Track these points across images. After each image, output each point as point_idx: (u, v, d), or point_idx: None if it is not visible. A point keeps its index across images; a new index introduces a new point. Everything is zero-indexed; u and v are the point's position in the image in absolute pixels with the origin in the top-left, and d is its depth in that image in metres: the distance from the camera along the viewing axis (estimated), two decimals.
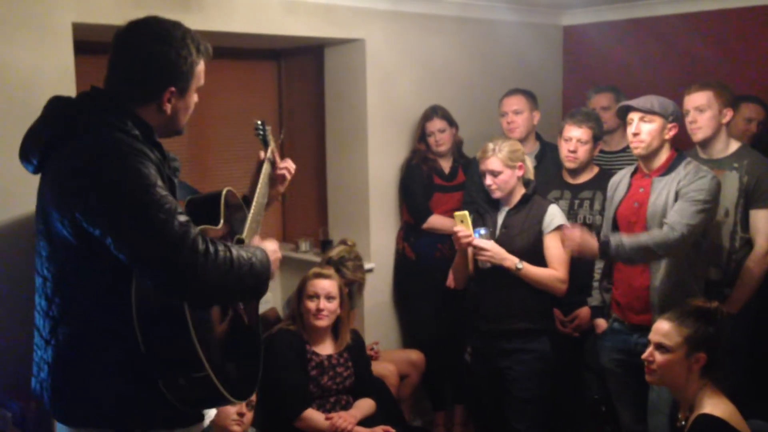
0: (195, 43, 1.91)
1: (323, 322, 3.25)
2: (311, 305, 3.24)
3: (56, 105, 1.88)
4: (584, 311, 3.54)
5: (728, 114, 3.37)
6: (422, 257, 4.16)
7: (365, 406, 3.30)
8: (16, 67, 2.86)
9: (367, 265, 4.22)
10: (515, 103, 4.00)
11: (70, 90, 3.00)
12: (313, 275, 3.30)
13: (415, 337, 4.32)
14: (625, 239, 2.99)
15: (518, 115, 3.98)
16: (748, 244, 3.36)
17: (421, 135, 4.19)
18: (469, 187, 4.04)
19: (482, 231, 3.22)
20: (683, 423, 2.46)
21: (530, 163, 3.45)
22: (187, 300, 1.74)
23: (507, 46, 4.79)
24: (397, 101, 4.24)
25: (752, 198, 3.33)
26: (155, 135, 1.88)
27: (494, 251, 3.19)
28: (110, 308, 1.78)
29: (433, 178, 4.17)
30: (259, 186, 2.27)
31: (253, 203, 2.22)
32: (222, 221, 2.04)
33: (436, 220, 4.12)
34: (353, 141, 4.23)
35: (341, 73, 4.26)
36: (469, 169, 4.17)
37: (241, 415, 2.88)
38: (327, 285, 3.26)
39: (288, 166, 2.45)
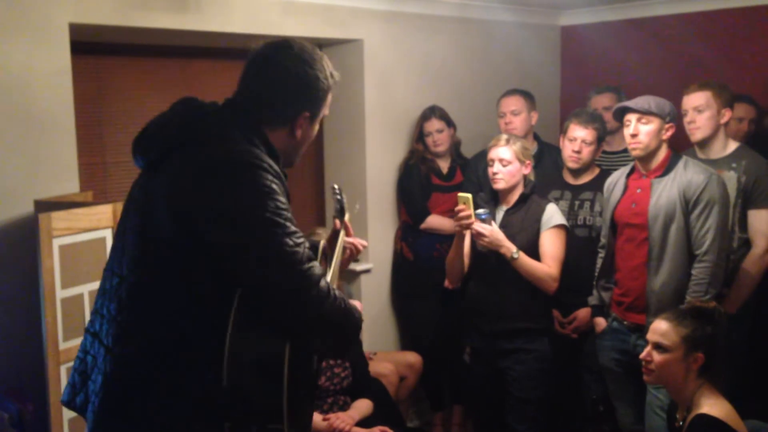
0: (329, 69, 1.87)
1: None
2: None
3: (190, 104, 1.79)
4: (583, 312, 3.54)
5: (727, 114, 3.37)
6: (420, 257, 4.15)
7: (363, 406, 3.30)
8: (12, 67, 2.85)
9: (365, 266, 4.23)
10: (513, 103, 4.00)
11: (66, 90, 3.00)
12: None
13: (413, 337, 4.31)
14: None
15: (516, 115, 3.98)
16: (747, 244, 3.36)
17: (419, 135, 4.19)
18: (467, 186, 4.03)
19: (483, 215, 3.20)
20: (681, 423, 2.46)
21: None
22: (300, 337, 1.65)
23: (505, 47, 4.79)
24: (395, 101, 4.24)
25: (750, 198, 3.33)
26: (281, 163, 1.79)
27: (492, 237, 3.17)
28: (202, 327, 1.63)
29: (431, 178, 4.17)
30: (337, 249, 2.14)
31: (333, 265, 2.09)
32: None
33: (434, 221, 4.12)
34: (351, 141, 4.23)
35: (339, 74, 4.24)
36: (467, 169, 4.17)
37: None
38: None
39: (357, 243, 2.28)
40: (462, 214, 3.18)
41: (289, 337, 1.64)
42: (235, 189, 1.60)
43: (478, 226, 3.17)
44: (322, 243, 2.04)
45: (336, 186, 2.32)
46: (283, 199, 1.65)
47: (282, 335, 1.64)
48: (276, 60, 1.81)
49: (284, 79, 1.79)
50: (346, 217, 2.30)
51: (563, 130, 3.66)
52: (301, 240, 1.64)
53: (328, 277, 1.88)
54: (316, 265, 1.65)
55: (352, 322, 1.74)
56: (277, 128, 1.80)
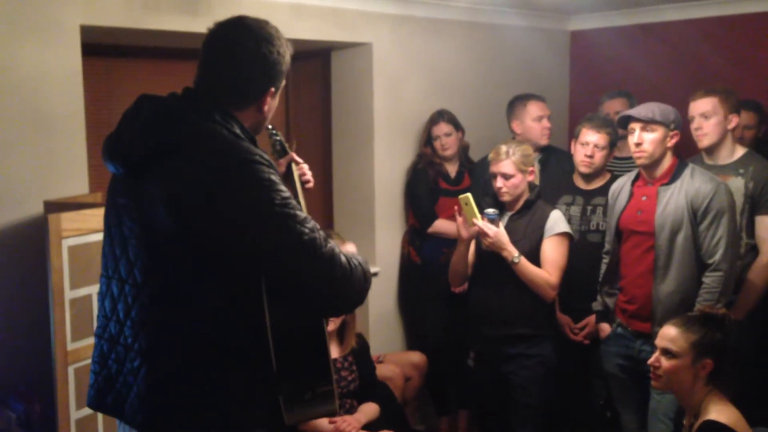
0: (286, 42, 1.86)
1: (329, 326, 3.24)
2: None
3: (157, 104, 1.75)
4: (595, 318, 3.53)
5: (734, 120, 3.36)
6: (428, 261, 4.15)
7: (369, 410, 3.29)
8: (23, 69, 2.87)
9: (372, 269, 4.22)
10: (545, 107, 4.09)
11: (77, 92, 3.02)
12: None
13: (419, 341, 4.31)
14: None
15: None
16: (754, 250, 3.35)
17: (428, 139, 4.19)
18: (474, 191, 4.02)
19: (491, 215, 3.20)
20: (688, 429, 2.45)
21: (537, 169, 3.46)
22: (335, 312, 1.78)
23: (514, 51, 4.79)
24: (403, 105, 4.25)
25: (758, 204, 3.32)
26: (256, 141, 1.81)
27: (496, 238, 3.17)
28: (236, 321, 1.67)
29: (439, 182, 4.17)
30: (297, 186, 2.16)
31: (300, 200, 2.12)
32: None
33: (442, 225, 4.11)
34: (359, 145, 4.24)
35: (348, 77, 4.26)
36: (473, 173, 4.16)
37: None
38: None
39: (304, 169, 2.29)
40: (461, 219, 3.21)
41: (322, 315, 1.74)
42: (240, 190, 1.61)
43: (484, 225, 3.18)
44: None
45: (270, 126, 2.22)
46: (283, 187, 1.66)
47: (315, 312, 1.73)
48: (235, 41, 1.78)
49: (248, 60, 1.77)
50: (293, 154, 2.28)
51: (575, 135, 3.65)
52: (312, 223, 1.66)
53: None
54: (333, 245, 1.67)
55: (369, 278, 1.80)
56: (246, 108, 1.80)
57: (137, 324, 1.72)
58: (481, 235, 3.21)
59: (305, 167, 2.23)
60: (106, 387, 1.79)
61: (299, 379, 1.72)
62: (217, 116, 1.71)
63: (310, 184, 2.25)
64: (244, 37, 1.78)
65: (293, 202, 1.65)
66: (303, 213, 1.66)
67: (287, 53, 1.84)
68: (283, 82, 1.89)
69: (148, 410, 1.71)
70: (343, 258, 1.68)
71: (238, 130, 1.73)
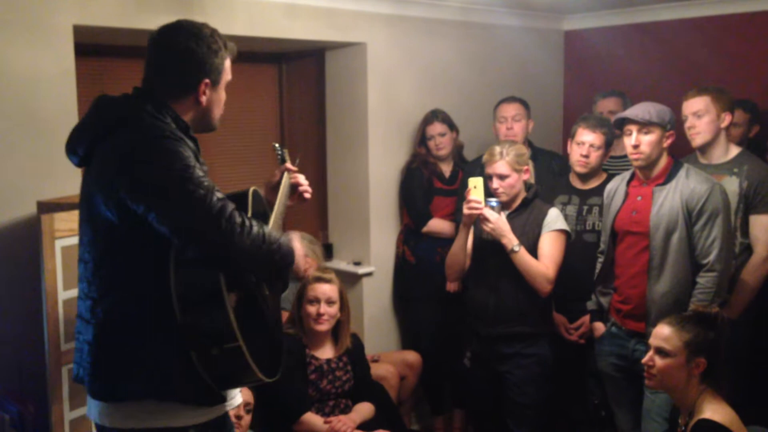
0: (222, 40, 2.07)
1: (323, 327, 3.24)
2: (312, 310, 3.23)
3: (103, 102, 2.02)
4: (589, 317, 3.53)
5: (727, 118, 3.36)
6: (422, 261, 4.15)
7: (364, 410, 3.29)
8: (16, 69, 2.86)
9: (366, 269, 4.23)
10: (514, 109, 4.02)
11: (70, 92, 3.01)
12: (313, 279, 3.29)
13: (414, 341, 4.31)
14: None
15: (517, 121, 3.99)
16: (748, 249, 3.36)
17: (422, 139, 4.19)
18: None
19: (494, 203, 3.23)
20: (683, 428, 2.45)
21: (532, 167, 3.46)
22: (224, 266, 1.88)
23: (508, 51, 4.79)
24: (398, 105, 4.24)
25: (752, 204, 3.33)
26: (191, 130, 2.03)
27: (497, 225, 3.19)
28: (149, 281, 1.89)
29: (434, 181, 4.17)
30: (280, 191, 2.37)
31: (276, 204, 2.33)
32: (251, 212, 2.14)
33: (437, 224, 4.12)
34: (354, 144, 4.24)
35: (342, 77, 4.26)
36: (467, 173, 4.16)
37: (239, 418, 2.87)
38: (328, 289, 3.25)
39: (300, 178, 2.50)
40: (472, 198, 3.21)
41: (218, 268, 1.89)
42: (146, 159, 1.85)
43: (486, 211, 3.19)
44: (251, 190, 2.22)
45: (276, 144, 2.57)
46: (189, 156, 1.88)
47: (213, 267, 1.89)
48: (166, 40, 2.03)
49: (175, 55, 2.01)
50: (287, 164, 2.50)
51: (571, 135, 3.65)
52: (208, 185, 1.87)
53: (270, 223, 2.20)
54: (226, 204, 1.87)
55: (273, 249, 1.95)
56: (182, 99, 2.01)
57: (85, 297, 1.97)
58: (481, 220, 3.22)
59: (301, 178, 2.47)
60: (79, 358, 2.01)
61: (205, 337, 1.88)
62: (149, 107, 1.94)
63: (308, 194, 2.49)
64: (175, 35, 2.02)
65: (197, 171, 1.87)
66: (202, 178, 1.87)
67: (222, 50, 2.06)
68: (225, 78, 2.08)
69: (89, 376, 1.95)
70: (236, 216, 1.87)
71: (169, 120, 1.96)
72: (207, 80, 2.03)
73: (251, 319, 2.02)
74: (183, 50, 1.99)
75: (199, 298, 1.89)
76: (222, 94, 2.10)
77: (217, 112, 2.11)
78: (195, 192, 1.83)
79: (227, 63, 2.09)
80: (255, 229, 1.90)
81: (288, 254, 2.04)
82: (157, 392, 1.90)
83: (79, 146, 1.98)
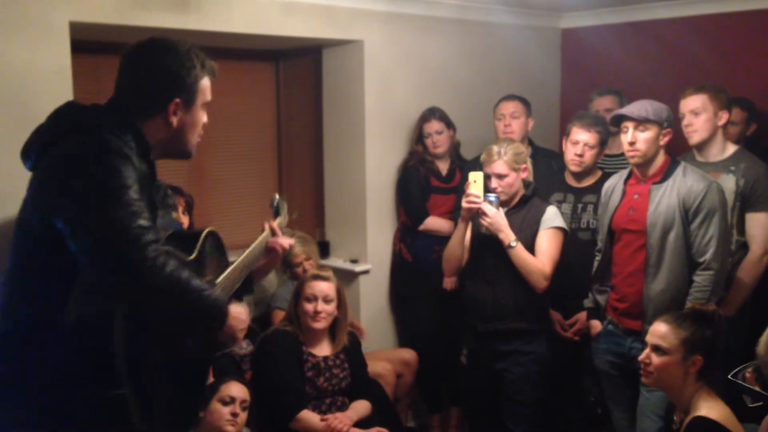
0: (199, 59, 1.92)
1: (321, 324, 3.24)
2: (309, 307, 3.23)
3: (65, 108, 1.88)
4: (585, 315, 3.53)
5: (724, 117, 3.37)
6: (419, 259, 4.15)
7: (361, 407, 3.29)
8: (12, 66, 2.86)
9: (363, 267, 4.22)
10: (513, 107, 4.01)
11: (66, 89, 3.00)
12: (311, 277, 3.29)
13: (411, 339, 4.31)
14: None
15: (515, 119, 3.99)
16: (744, 247, 3.36)
17: (419, 136, 4.19)
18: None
19: (492, 198, 3.24)
20: (678, 425, 2.46)
21: (531, 165, 3.46)
22: (121, 300, 1.70)
23: (505, 49, 4.79)
24: (394, 103, 4.24)
25: (748, 201, 3.33)
26: (151, 153, 1.88)
27: (495, 220, 3.20)
28: (49, 304, 1.74)
29: (431, 179, 4.17)
30: (252, 246, 2.21)
31: (242, 257, 2.14)
32: (195, 255, 1.96)
33: (433, 222, 4.12)
34: (351, 142, 4.23)
35: (339, 75, 4.26)
36: (465, 171, 4.16)
37: (234, 415, 2.87)
38: (325, 287, 3.26)
39: (282, 242, 2.36)
40: (471, 196, 3.21)
41: (116, 300, 1.71)
42: (81, 169, 1.70)
43: (484, 206, 3.20)
44: (206, 230, 2.06)
45: (277, 195, 2.53)
46: (128, 177, 1.70)
47: (110, 297, 1.71)
48: (136, 55, 1.89)
49: (144, 72, 1.87)
50: (277, 222, 2.41)
51: (566, 133, 3.66)
52: (135, 210, 1.67)
53: (223, 275, 1.99)
54: (146, 234, 1.65)
55: (191, 298, 1.71)
56: (149, 119, 1.87)
57: None
58: (480, 214, 3.22)
59: (280, 242, 2.34)
60: None
61: (87, 372, 1.73)
62: (110, 120, 1.79)
63: (277, 252, 2.34)
64: (146, 50, 1.89)
65: (129, 191, 1.68)
66: (132, 200, 1.68)
67: (197, 68, 1.90)
68: (202, 98, 1.93)
69: None
70: (150, 250, 1.65)
71: (129, 137, 1.80)
72: (178, 99, 1.87)
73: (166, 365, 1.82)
74: (151, 66, 1.86)
75: (88, 331, 1.72)
76: (198, 116, 1.94)
77: (192, 136, 1.95)
78: (116, 212, 1.64)
79: (204, 82, 1.93)
80: (171, 270, 1.66)
81: (209, 310, 1.77)
82: (51, 425, 1.76)
83: (32, 151, 1.85)
